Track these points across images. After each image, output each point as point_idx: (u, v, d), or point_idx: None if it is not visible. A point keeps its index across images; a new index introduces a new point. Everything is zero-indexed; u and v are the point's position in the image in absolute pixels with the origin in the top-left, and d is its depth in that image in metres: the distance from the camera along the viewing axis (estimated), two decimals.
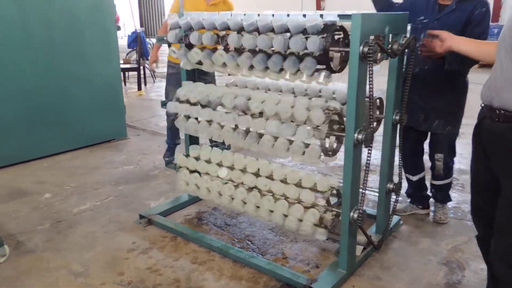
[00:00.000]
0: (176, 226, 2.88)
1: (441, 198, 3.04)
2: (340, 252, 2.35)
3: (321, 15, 2.06)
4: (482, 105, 1.74)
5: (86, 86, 4.50)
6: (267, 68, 2.31)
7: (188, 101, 2.76)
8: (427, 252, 2.65)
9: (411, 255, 2.61)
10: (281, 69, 2.25)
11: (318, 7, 16.86)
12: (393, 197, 2.67)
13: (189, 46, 2.67)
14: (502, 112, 1.60)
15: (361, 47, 1.92)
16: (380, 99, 2.51)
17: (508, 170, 1.64)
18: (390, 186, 2.63)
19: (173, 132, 4.08)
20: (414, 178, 3.08)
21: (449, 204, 3.14)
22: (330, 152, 2.24)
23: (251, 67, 2.38)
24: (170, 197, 3.41)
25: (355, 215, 2.22)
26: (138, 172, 4.01)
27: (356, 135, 2.07)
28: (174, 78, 3.74)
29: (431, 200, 3.12)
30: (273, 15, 2.19)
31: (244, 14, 2.36)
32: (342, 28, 2.06)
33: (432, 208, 3.12)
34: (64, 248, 2.70)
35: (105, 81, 4.68)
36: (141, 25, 23.46)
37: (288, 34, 2.16)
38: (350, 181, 2.17)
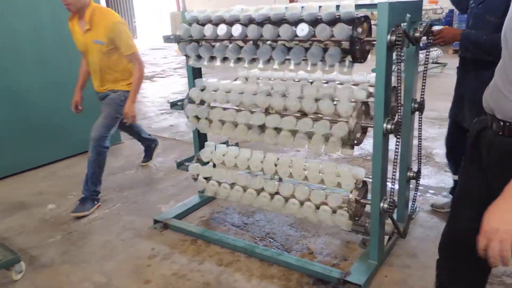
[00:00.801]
0: (194, 229, 2.81)
1: None
2: (371, 243, 2.34)
3: (338, 6, 2.03)
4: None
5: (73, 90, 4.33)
6: (285, 60, 2.27)
7: (202, 102, 2.70)
8: None
9: (434, 241, 2.63)
10: (302, 60, 2.22)
11: None
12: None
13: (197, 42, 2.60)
14: (508, 124, 1.30)
15: (389, 36, 1.91)
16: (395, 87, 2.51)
17: None
18: (410, 174, 2.64)
19: (98, 172, 3.25)
20: (454, 177, 2.92)
21: None
22: (355, 141, 2.22)
23: (268, 60, 2.32)
24: (179, 199, 3.34)
25: (385, 205, 2.22)
26: (140, 176, 3.91)
27: (385, 124, 2.06)
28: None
29: None
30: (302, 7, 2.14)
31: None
32: (365, 17, 2.04)
33: None
34: (82, 260, 2.59)
35: None
36: None
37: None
38: (379, 171, 2.16)
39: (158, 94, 7.77)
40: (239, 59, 2.46)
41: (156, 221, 2.95)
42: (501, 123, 1.31)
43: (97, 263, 2.55)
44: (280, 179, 2.86)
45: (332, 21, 2.02)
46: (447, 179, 3.51)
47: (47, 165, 4.19)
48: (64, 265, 2.54)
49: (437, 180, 3.56)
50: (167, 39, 2.78)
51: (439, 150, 4.08)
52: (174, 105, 2.91)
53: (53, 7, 4.01)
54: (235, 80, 3.02)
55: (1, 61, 3.72)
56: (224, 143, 3.21)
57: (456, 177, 2.88)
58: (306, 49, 2.17)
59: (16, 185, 3.79)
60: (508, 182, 1.19)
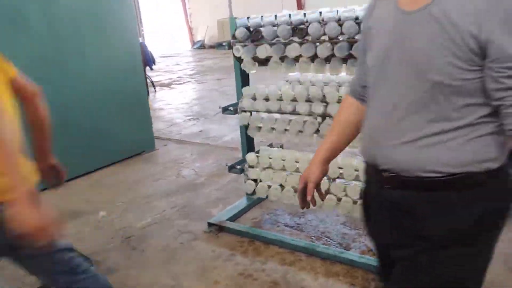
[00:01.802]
0: (252, 230, 2.87)
1: None
2: None
3: None
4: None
5: (114, 99, 4.42)
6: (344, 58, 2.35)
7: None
8: (508, 229, 2.72)
9: None
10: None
11: (299, 5, 17.02)
12: None
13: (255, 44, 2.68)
14: (393, 174, 1.09)
15: None
16: None
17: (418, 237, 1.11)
18: None
19: None
20: None
21: None
22: None
23: (329, 57, 2.39)
24: (227, 203, 3.40)
25: None
26: (182, 182, 3.98)
27: None
28: None
29: None
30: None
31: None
32: None
33: None
34: (147, 264, 2.66)
35: (132, 93, 4.61)
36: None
37: None
38: None
39: (179, 100, 7.86)
40: (296, 58, 2.53)
41: (210, 224, 3.01)
42: (383, 173, 1.12)
43: (162, 266, 2.62)
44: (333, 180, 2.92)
45: None
46: None
47: (90, 173, 4.26)
48: (131, 269, 2.61)
49: None
50: (219, 46, 2.86)
51: None
52: (226, 109, 2.97)
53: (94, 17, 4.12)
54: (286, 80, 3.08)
55: (47, 70, 3.80)
56: (269, 145, 3.28)
57: None
58: None
59: (64, 194, 3.85)
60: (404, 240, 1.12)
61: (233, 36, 2.69)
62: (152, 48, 9.05)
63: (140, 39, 8.26)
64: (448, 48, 0.96)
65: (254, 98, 2.80)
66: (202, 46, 19.53)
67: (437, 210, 1.07)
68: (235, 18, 2.75)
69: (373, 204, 1.24)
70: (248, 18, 2.70)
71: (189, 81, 10.02)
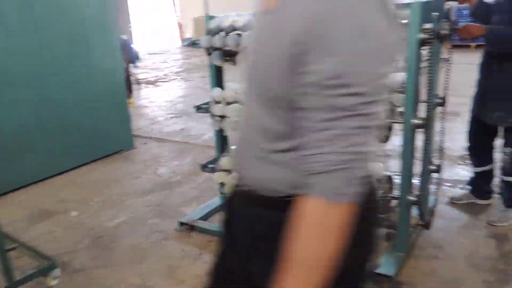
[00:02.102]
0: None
1: (504, 199, 2.77)
2: (398, 235, 2.41)
3: None
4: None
5: (92, 98, 4.38)
6: None
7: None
8: (472, 227, 2.75)
9: (458, 232, 2.71)
10: None
11: None
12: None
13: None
14: (252, 190, 0.99)
15: (420, 35, 1.98)
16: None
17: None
18: (432, 168, 2.71)
19: None
20: (476, 170, 2.96)
21: None
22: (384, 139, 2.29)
23: None
24: (201, 202, 3.39)
25: (413, 199, 2.28)
26: (159, 180, 3.96)
27: (413, 120, 2.13)
28: None
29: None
30: None
31: None
32: None
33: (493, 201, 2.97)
34: (115, 263, 2.65)
35: (111, 91, 4.57)
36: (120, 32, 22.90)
37: None
38: (408, 165, 2.23)
39: (164, 98, 7.82)
40: None
41: (182, 223, 3.00)
42: (246, 189, 1.02)
43: (130, 266, 2.61)
44: None
45: None
46: (461, 172, 3.59)
47: (66, 172, 4.23)
48: (98, 269, 2.60)
49: (451, 173, 3.63)
50: (188, 44, 2.84)
51: (449, 143, 4.15)
52: (199, 108, 2.96)
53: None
54: None
55: (19, 65, 3.74)
56: None
57: (478, 169, 2.95)
58: None
59: (38, 193, 3.82)
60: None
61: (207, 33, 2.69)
62: (141, 45, 8.97)
63: (125, 37, 8.19)
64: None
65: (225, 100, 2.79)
66: (191, 44, 19.44)
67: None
68: (211, 16, 2.74)
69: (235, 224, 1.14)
70: (223, 16, 2.68)
71: (175, 79, 9.97)
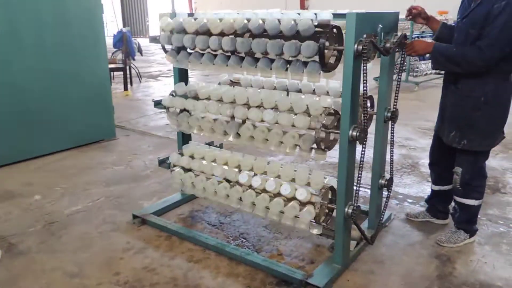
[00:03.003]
0: (170, 225, 2.88)
1: (455, 219, 2.73)
2: (335, 247, 2.39)
3: (315, 14, 2.10)
4: None
5: (74, 86, 4.46)
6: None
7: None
8: (419, 246, 2.71)
9: (403, 249, 2.67)
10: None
11: (302, 5, 16.98)
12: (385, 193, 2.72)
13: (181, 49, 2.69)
14: None
15: (356, 46, 1.96)
16: (371, 96, 2.55)
17: None
18: (382, 182, 2.68)
19: None
20: (433, 188, 2.93)
21: None
22: (324, 147, 2.27)
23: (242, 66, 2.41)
24: (162, 196, 3.41)
25: (350, 211, 2.26)
26: (129, 172, 3.99)
27: (351, 131, 2.11)
28: None
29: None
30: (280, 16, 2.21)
31: (238, 13, 2.39)
32: (337, 28, 2.09)
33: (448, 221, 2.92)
34: (58, 250, 2.68)
35: (94, 81, 4.64)
36: (124, 25, 23.25)
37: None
38: (344, 177, 2.21)
39: (161, 93, 7.88)
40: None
41: (135, 216, 3.02)
42: None
43: (72, 254, 2.63)
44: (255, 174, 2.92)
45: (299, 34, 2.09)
46: (428, 189, 3.52)
47: (41, 157, 4.30)
48: (40, 254, 2.63)
49: (418, 189, 3.59)
50: (153, 40, 2.87)
51: (426, 160, 4.09)
52: (157, 104, 2.98)
53: None
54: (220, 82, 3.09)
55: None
56: (209, 143, 3.27)
57: (435, 187, 2.91)
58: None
59: (7, 175, 3.89)
60: None
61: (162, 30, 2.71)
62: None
63: (125, 29, 8.28)
64: None
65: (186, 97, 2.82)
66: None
67: None
68: (176, 12, 2.77)
69: None
70: (189, 14, 2.69)
71: None
